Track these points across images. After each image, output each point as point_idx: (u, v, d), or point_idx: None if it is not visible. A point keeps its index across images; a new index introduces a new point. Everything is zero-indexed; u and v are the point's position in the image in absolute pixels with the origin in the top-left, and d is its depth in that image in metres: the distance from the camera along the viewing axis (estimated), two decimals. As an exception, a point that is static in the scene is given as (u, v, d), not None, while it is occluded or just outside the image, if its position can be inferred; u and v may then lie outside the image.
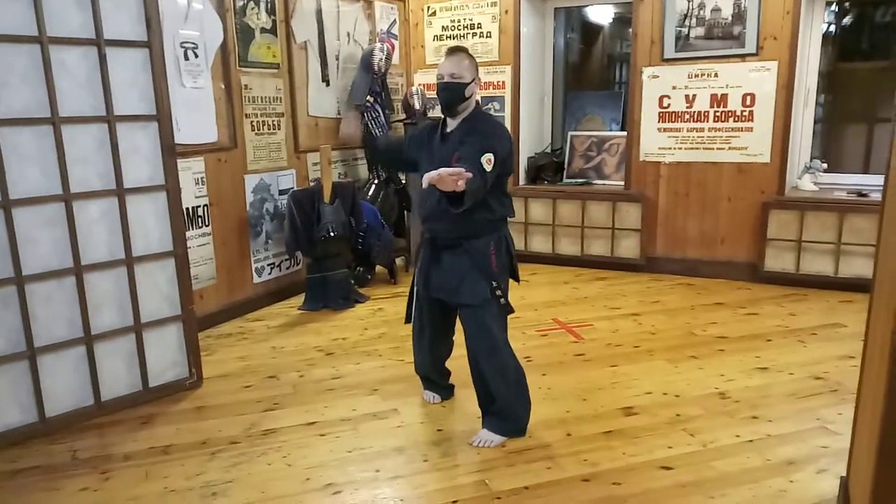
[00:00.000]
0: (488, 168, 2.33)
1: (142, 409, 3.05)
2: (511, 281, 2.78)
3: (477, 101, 2.61)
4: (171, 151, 3.14)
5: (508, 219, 2.70)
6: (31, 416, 2.81)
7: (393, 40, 5.69)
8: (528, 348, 3.70)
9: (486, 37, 5.59)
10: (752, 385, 3.16)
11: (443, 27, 5.75)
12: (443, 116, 2.65)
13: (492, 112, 5.66)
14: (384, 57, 5.06)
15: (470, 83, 2.52)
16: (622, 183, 5.35)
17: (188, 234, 3.94)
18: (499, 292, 2.60)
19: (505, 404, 2.65)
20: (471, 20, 5.62)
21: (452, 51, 2.58)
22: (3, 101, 2.64)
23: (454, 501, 2.29)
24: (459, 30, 5.69)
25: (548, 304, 4.52)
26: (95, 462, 2.61)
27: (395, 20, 5.73)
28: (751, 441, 2.65)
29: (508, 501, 2.29)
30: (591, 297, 4.67)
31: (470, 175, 2.16)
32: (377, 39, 5.40)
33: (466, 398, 3.07)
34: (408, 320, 2.92)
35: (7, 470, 2.57)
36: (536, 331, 3.99)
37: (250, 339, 3.97)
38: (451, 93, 2.50)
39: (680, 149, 5.01)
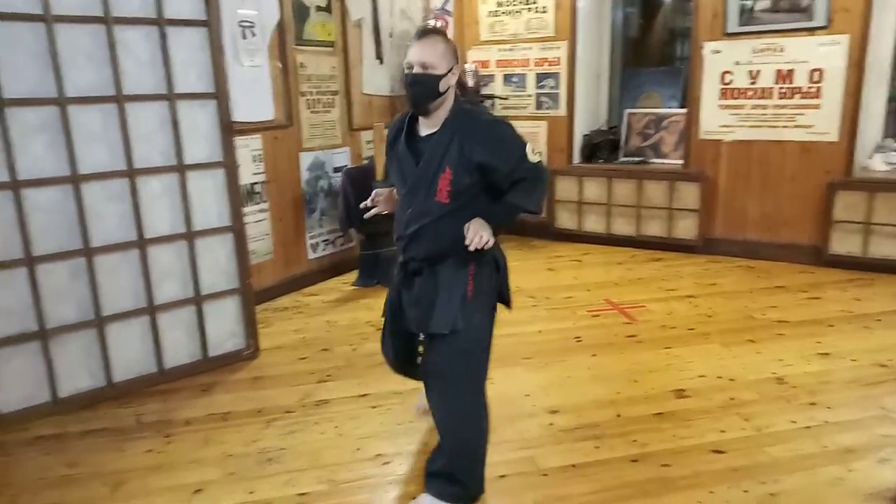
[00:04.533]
0: (536, 158, 2.04)
1: (202, 378, 3.16)
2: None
3: (457, 94, 2.08)
4: (229, 129, 3.21)
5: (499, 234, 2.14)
6: (99, 380, 2.96)
7: (447, 17, 5.66)
8: (578, 328, 3.68)
9: (542, 11, 5.50)
10: (812, 371, 3.07)
11: (498, 3, 5.68)
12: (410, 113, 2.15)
13: (546, 89, 5.60)
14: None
15: (445, 75, 1.98)
16: (681, 162, 5.22)
17: (246, 210, 4.04)
18: (473, 323, 2.08)
19: (459, 464, 2.12)
20: (526, -5, 5.54)
21: (424, 33, 2.04)
22: (71, 81, 2.75)
23: (501, 476, 2.32)
24: (514, 5, 5.61)
25: (601, 284, 4.47)
26: (158, 426, 2.73)
27: (449, -4, 5.69)
28: (807, 427, 2.58)
29: (555, 478, 2.30)
30: (645, 279, 4.59)
31: (488, 238, 1.92)
32: (431, 16, 5.38)
33: (509, 376, 3.09)
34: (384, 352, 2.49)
35: (78, 430, 2.72)
36: (587, 311, 3.95)
37: (305, 312, 4.07)
38: (422, 87, 1.98)
39: (742, 127, 4.84)
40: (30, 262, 2.73)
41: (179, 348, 3.19)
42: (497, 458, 2.40)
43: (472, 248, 1.92)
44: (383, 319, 2.39)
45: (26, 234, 2.70)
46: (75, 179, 2.80)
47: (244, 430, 2.68)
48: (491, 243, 1.94)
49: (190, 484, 2.31)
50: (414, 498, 2.19)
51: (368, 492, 2.27)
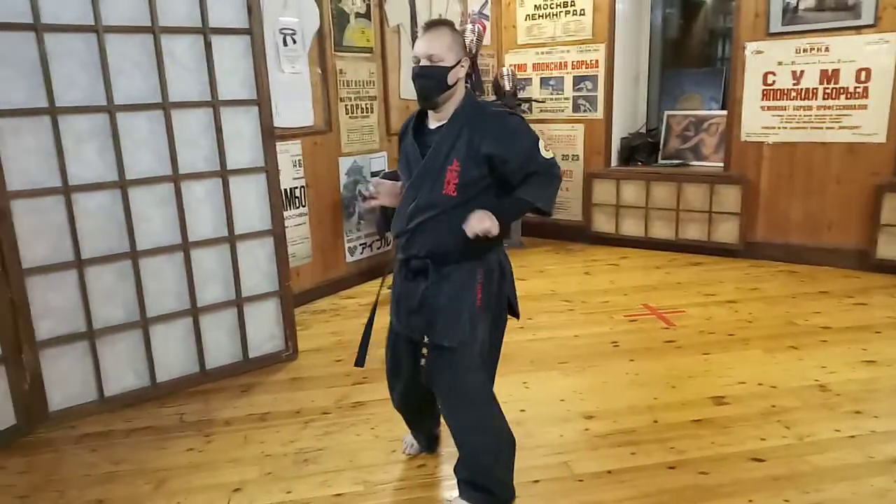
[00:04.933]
0: (549, 154, 1.97)
1: (242, 379, 3.23)
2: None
3: (466, 88, 2.04)
4: (271, 135, 3.28)
5: (503, 239, 2.09)
6: (144, 380, 3.05)
7: (484, 21, 5.68)
8: (615, 333, 3.65)
9: (580, 14, 5.48)
10: (857, 378, 2.99)
11: (535, 6, 5.68)
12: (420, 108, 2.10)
13: (584, 91, 5.57)
14: (475, 38, 5.07)
15: (454, 67, 1.95)
16: (721, 164, 5.13)
17: (286, 214, 4.11)
18: (480, 334, 2.04)
19: (478, 472, 2.10)
20: (564, -2, 5.52)
21: (431, 25, 1.99)
22: (120, 89, 2.84)
23: (535, 481, 2.31)
24: (552, 8, 5.60)
25: (638, 288, 4.42)
26: (199, 425, 2.80)
27: (487, 1, 5.71)
28: (852, 437, 2.51)
29: (591, 484, 2.29)
30: (684, 283, 4.53)
31: (490, 227, 1.85)
32: (469, 21, 5.40)
33: (545, 381, 3.08)
34: (358, 363, 2.27)
35: (123, 428, 2.80)
36: (625, 316, 3.92)
37: (342, 315, 4.12)
38: (429, 80, 1.94)
39: (785, 128, 4.75)
40: (79, 264, 2.82)
41: (221, 349, 3.26)
42: (531, 463, 2.40)
43: (470, 234, 1.84)
44: (367, 339, 2.26)
45: (76, 237, 2.80)
46: (123, 184, 2.89)
47: (282, 430, 2.73)
48: (494, 232, 1.85)
49: (229, 483, 2.36)
50: (450, 501, 2.20)
51: (404, 494, 2.29)
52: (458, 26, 5.19)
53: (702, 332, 3.62)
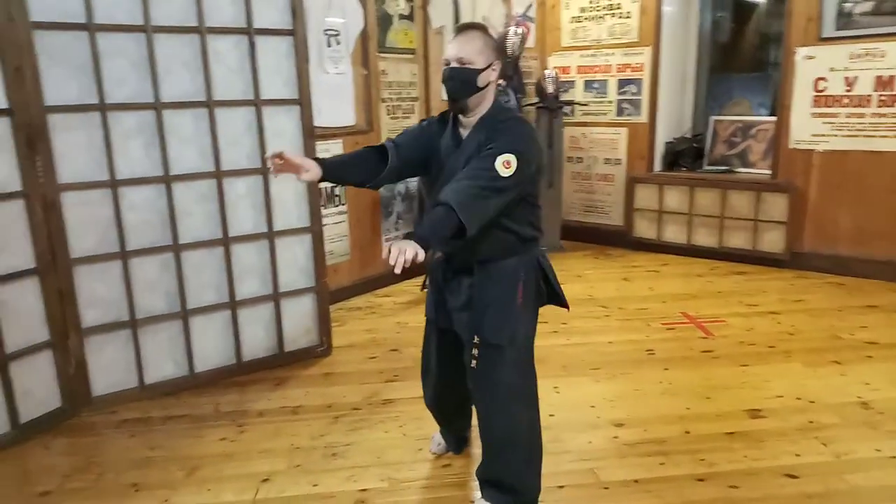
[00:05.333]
0: (505, 172, 1.79)
1: (276, 372, 3.30)
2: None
3: (498, 94, 2.03)
4: (311, 134, 3.34)
5: (539, 239, 2.09)
6: (182, 370, 3.14)
7: (529, 23, 5.66)
8: (651, 341, 3.59)
9: (626, 17, 5.41)
10: (902, 397, 2.89)
11: (581, 8, 5.63)
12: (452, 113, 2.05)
13: (628, 95, 5.50)
14: (518, 41, 5.06)
15: (484, 70, 1.92)
16: (769, 171, 5.01)
17: (326, 212, 4.19)
18: (522, 330, 2.06)
19: (508, 473, 2.11)
20: (610, 1, 5.46)
21: (462, 28, 1.99)
22: (167, 88, 2.93)
23: (560, 486, 2.30)
24: (597, 10, 5.55)
25: (678, 296, 4.35)
26: (234, 416, 2.87)
27: (531, 3, 5.69)
28: (893, 457, 2.42)
29: (616, 493, 2.26)
30: (725, 292, 4.43)
31: (415, 253, 1.61)
32: (513, 23, 5.39)
33: (576, 386, 3.06)
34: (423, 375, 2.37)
35: (161, 415, 2.89)
36: (662, 323, 3.86)
37: (378, 313, 4.16)
38: (458, 82, 1.92)
39: (836, 136, 4.60)
40: (124, 255, 2.92)
41: (257, 342, 3.33)
42: (557, 469, 2.38)
43: (397, 271, 1.59)
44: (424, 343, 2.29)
45: (122, 229, 2.90)
46: (167, 180, 2.98)
47: (313, 424, 2.77)
48: (420, 258, 1.62)
49: (259, 473, 2.42)
50: (471, 502, 2.21)
51: (428, 492, 2.30)
52: (501, 28, 5.22)
53: (741, 343, 3.53)
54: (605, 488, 2.29)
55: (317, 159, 1.96)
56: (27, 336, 2.72)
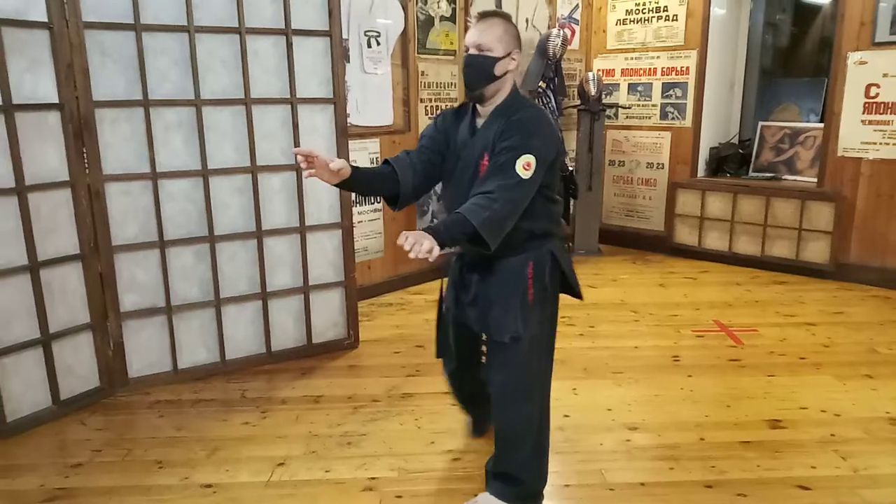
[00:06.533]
0: (526, 174, 1.83)
1: (303, 362, 3.40)
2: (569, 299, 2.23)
3: (514, 85, 2.02)
4: (345, 132, 3.43)
5: (555, 234, 2.10)
6: (214, 356, 3.27)
7: (574, 25, 5.65)
8: (678, 347, 3.56)
9: (673, 20, 5.35)
10: (934, 415, 2.79)
11: (626, 11, 5.59)
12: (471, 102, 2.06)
13: (672, 99, 5.43)
14: (560, 42, 5.05)
15: (502, 58, 1.92)
16: (815, 179, 4.87)
17: (361, 209, 4.29)
18: (534, 328, 2.04)
19: (515, 465, 2.14)
20: (657, 3, 5.40)
21: (483, 16, 1.98)
22: (207, 85, 3.07)
23: (566, 486, 2.32)
24: (644, 13, 5.50)
25: (713, 304, 4.28)
26: (258, 402, 2.98)
27: (577, 5, 5.67)
28: (915, 474, 2.36)
29: (621, 494, 2.27)
30: (763, 302, 4.34)
31: (431, 248, 1.65)
32: (556, 25, 5.40)
33: (594, 389, 3.06)
34: (439, 355, 2.41)
35: (191, 399, 3.03)
36: (692, 330, 3.80)
37: (408, 309, 4.24)
38: (476, 70, 1.92)
39: (887, 144, 4.45)
40: (162, 245, 3.07)
41: (286, 333, 3.44)
42: (565, 468, 2.41)
43: (412, 254, 1.66)
44: (437, 325, 2.35)
45: (160, 219, 3.05)
46: (205, 173, 3.11)
47: (332, 413, 2.86)
48: (435, 255, 1.66)
49: (275, 457, 2.51)
50: (475, 495, 2.25)
51: (434, 483, 2.35)
52: (544, 30, 5.23)
53: (771, 353, 3.46)
54: (611, 490, 2.30)
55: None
56: (70, 317, 2.89)
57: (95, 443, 2.65)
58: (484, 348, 2.12)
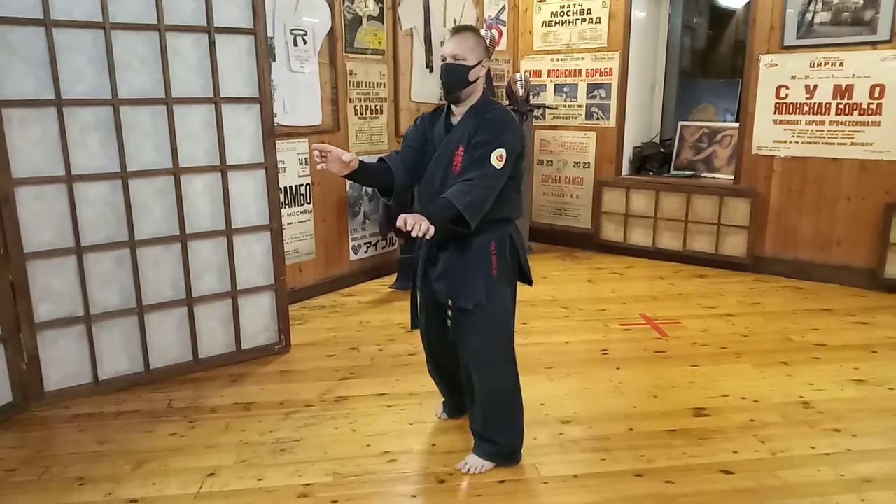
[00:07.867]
0: (499, 165, 2.15)
1: (233, 369, 3.32)
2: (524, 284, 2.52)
3: (484, 88, 2.33)
4: (271, 132, 3.36)
5: (514, 219, 2.40)
6: (137, 365, 3.15)
7: (501, 26, 5.72)
8: (607, 341, 3.65)
9: (596, 22, 5.48)
10: (843, 397, 2.96)
11: (552, 13, 5.70)
12: (446, 103, 2.37)
13: (597, 99, 5.57)
14: (488, 43, 5.09)
15: (474, 66, 2.23)
16: (732, 177, 5.09)
17: (290, 210, 4.21)
18: (498, 298, 2.33)
19: (492, 427, 2.40)
20: (581, 5, 5.53)
21: (457, 30, 2.32)
22: (126, 83, 2.95)
23: (500, 481, 2.34)
24: (569, 15, 5.61)
25: (639, 298, 4.42)
26: (186, 412, 2.88)
27: (504, 6, 5.74)
28: (826, 454, 2.49)
29: (554, 487, 2.31)
30: (686, 294, 4.51)
31: (428, 228, 1.97)
32: (484, 25, 5.45)
33: (528, 385, 3.09)
34: (413, 326, 2.60)
35: (114, 411, 2.90)
36: (620, 324, 3.92)
37: (341, 312, 4.19)
38: (453, 76, 2.24)
39: (797, 143, 4.70)
40: (79, 251, 2.93)
41: (214, 339, 3.35)
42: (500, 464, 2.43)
43: (414, 233, 1.97)
44: (411, 300, 2.54)
45: (77, 224, 2.90)
46: (124, 175, 2.99)
47: (264, 420, 2.80)
48: (431, 233, 1.98)
49: (205, 468, 2.44)
50: (413, 496, 2.25)
51: (370, 486, 2.33)
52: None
53: (694, 344, 3.60)
54: (545, 483, 2.34)
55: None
56: (-22, 330, 2.73)
57: (9, 462, 2.50)
58: (450, 314, 2.38)
